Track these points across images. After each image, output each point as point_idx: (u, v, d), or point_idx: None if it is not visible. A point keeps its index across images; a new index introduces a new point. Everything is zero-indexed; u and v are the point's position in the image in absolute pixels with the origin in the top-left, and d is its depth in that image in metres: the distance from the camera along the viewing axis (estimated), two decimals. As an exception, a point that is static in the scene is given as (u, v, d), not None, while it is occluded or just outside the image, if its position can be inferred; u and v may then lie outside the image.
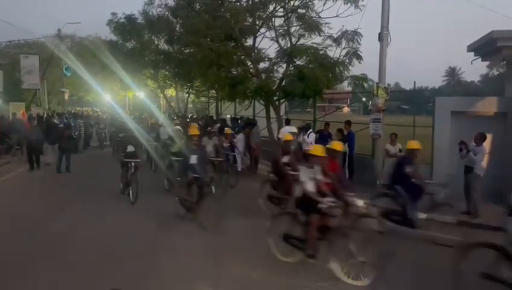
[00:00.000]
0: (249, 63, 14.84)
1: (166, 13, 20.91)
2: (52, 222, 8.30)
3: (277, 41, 14.35)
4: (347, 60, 13.19)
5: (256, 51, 14.93)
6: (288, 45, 14.09)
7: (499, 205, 9.35)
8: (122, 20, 22.88)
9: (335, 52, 13.36)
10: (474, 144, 8.94)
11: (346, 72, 13.36)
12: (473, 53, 11.09)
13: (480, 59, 11.51)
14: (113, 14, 22.93)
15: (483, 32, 9.92)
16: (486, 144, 9.03)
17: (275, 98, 14.86)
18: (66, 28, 31.63)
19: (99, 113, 34.91)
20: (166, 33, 21.59)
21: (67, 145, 14.54)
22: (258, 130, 15.01)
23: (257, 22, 14.59)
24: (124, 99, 41.09)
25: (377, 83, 11.25)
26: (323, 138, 12.57)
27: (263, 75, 14.45)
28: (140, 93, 31.74)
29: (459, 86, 78.06)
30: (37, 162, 14.93)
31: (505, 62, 11.74)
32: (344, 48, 13.19)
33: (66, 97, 33.44)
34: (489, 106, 10.37)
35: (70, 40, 36.12)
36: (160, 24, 21.33)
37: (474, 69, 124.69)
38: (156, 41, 23.89)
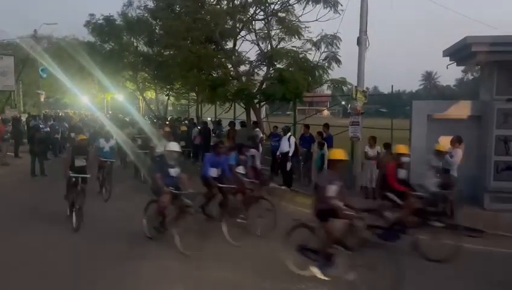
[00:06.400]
0: (230, 66, 14.83)
1: (146, 15, 20.75)
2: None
3: (257, 45, 14.40)
4: (326, 64, 13.37)
5: (236, 54, 14.95)
6: (269, 48, 14.17)
7: (473, 207, 9.63)
8: (101, 21, 22.60)
9: (315, 56, 13.57)
10: (450, 146, 9.13)
11: (325, 76, 13.54)
12: (448, 58, 11.30)
13: (455, 64, 11.73)
14: (91, 15, 22.72)
15: (459, 37, 10.13)
16: (461, 147, 9.23)
17: (256, 100, 14.90)
18: (42, 29, 31.09)
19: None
20: (146, 35, 21.42)
21: (39, 149, 14.06)
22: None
23: (237, 25, 14.62)
24: (102, 101, 40.49)
25: (356, 87, 11.37)
26: (306, 140, 12.60)
27: (243, 78, 14.47)
28: (119, 96, 31.31)
29: (435, 90, 79.86)
30: None
31: (479, 67, 12.01)
32: (323, 52, 13.39)
33: (42, 99, 32.62)
34: (464, 109, 10.58)
35: (46, 41, 35.38)
36: (139, 26, 21.15)
37: (450, 74, 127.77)
38: (135, 43, 23.67)
